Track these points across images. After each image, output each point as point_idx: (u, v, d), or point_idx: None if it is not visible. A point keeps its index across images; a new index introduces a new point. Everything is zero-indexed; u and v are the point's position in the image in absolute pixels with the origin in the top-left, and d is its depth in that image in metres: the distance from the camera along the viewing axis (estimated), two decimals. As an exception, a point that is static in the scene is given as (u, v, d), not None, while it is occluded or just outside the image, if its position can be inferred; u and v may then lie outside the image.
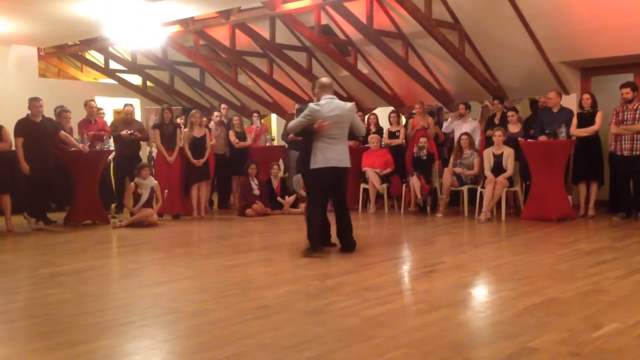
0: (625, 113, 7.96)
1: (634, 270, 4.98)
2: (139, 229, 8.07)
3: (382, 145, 10.05)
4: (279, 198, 9.63)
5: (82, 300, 4.52)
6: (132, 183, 8.58)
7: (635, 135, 7.85)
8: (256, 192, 9.50)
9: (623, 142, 7.96)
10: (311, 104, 6.00)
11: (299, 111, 6.26)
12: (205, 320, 3.87)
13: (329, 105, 5.93)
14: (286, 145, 10.88)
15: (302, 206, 9.54)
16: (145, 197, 8.43)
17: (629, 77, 8.83)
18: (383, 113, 11.32)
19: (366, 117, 11.34)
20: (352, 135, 6.40)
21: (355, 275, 5.15)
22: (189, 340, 3.52)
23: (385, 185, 9.54)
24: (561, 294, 4.32)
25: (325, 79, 6.24)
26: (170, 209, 9.16)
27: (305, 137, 6.13)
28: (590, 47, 8.78)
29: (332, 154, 5.92)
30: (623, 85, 8.08)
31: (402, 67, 10.34)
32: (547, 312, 3.89)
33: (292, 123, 6.13)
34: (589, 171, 8.36)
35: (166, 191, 9.07)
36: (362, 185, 9.68)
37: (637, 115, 7.87)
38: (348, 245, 6.15)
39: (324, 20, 10.55)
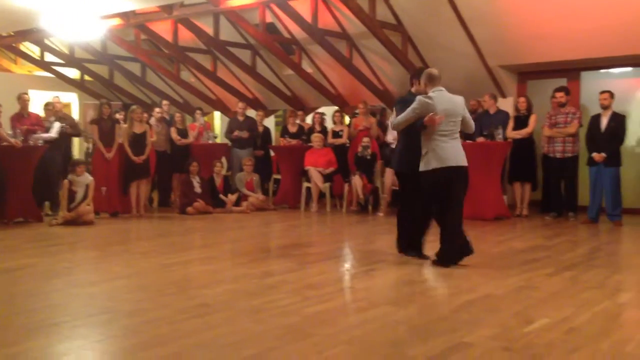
0: (558, 116, 8.26)
1: (564, 268, 5.17)
2: (74, 227, 7.82)
3: (326, 145, 10.09)
4: (221, 196, 9.52)
5: (12, 300, 4.34)
6: (66, 180, 8.30)
7: (566, 138, 8.17)
8: (198, 190, 9.37)
9: (555, 145, 8.27)
10: (420, 97, 5.25)
11: (400, 103, 5.57)
12: (141, 319, 3.78)
13: (440, 97, 5.24)
14: (230, 143, 10.78)
15: (245, 204, 9.49)
16: (80, 194, 8.17)
17: (563, 81, 9.17)
18: (327, 112, 11.37)
19: (310, 116, 11.39)
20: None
21: (296, 273, 5.15)
22: (124, 340, 3.43)
23: (327, 184, 9.58)
24: (495, 290, 4.44)
25: (434, 70, 5.47)
26: (107, 207, 8.92)
27: (407, 134, 5.45)
28: (527, 52, 9.07)
29: (446, 153, 5.23)
30: (557, 90, 8.39)
31: (346, 67, 10.41)
32: (482, 308, 3.99)
33: (398, 118, 5.39)
34: (522, 172, 8.64)
35: (104, 188, 8.82)
36: (305, 184, 9.70)
37: (569, 119, 8.19)
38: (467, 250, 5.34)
39: (269, 18, 10.51)
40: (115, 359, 3.21)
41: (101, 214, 8.78)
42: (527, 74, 9.86)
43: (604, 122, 7.81)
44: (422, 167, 5.28)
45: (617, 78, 9.31)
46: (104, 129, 8.95)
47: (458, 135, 5.39)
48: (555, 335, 3.40)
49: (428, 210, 5.48)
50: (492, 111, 8.83)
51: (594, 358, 3.08)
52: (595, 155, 7.81)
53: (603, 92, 7.85)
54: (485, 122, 8.67)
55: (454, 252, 5.28)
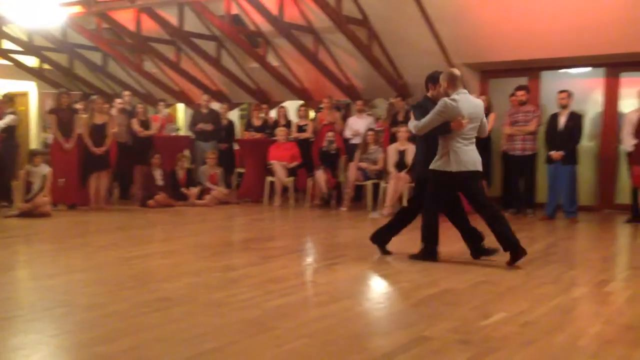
0: (518, 115, 8.42)
1: (521, 263, 5.26)
2: (31, 219, 7.63)
3: (290, 139, 10.08)
4: (182, 190, 9.42)
5: (-36, 293, 4.21)
6: (22, 171, 8.09)
7: (526, 136, 8.33)
8: (160, 182, 9.26)
9: (515, 143, 8.42)
10: (446, 99, 5.05)
11: (419, 107, 5.43)
12: (99, 313, 3.71)
13: (465, 101, 5.10)
14: (193, 136, 10.67)
15: (208, 198, 9.41)
16: (37, 185, 7.98)
17: (524, 80, 9.34)
18: (292, 106, 11.35)
19: (275, 110, 11.35)
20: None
21: (258, 267, 5.14)
22: (80, 334, 3.37)
23: (291, 179, 9.57)
24: (455, 285, 4.50)
25: (456, 70, 5.28)
26: (65, 199, 8.73)
27: (427, 139, 5.30)
28: (490, 50, 9.20)
29: (467, 156, 5.13)
30: (517, 88, 8.55)
31: (312, 62, 10.40)
32: (442, 302, 4.04)
33: (422, 121, 5.17)
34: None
35: (63, 180, 8.63)
36: (269, 178, 9.66)
37: (528, 118, 8.34)
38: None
39: (235, 10, 10.41)
40: (71, 354, 3.15)
41: (59, 205, 8.59)
42: (490, 72, 10.00)
43: (562, 121, 7.99)
44: (439, 167, 5.16)
45: (575, 78, 9.52)
46: (62, 119, 8.75)
47: (474, 139, 5.25)
48: (511, 329, 3.47)
49: (419, 208, 5.48)
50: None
51: (548, 351, 3.16)
52: (553, 153, 7.98)
53: (562, 91, 8.03)
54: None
55: (432, 248, 5.35)
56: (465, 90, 5.19)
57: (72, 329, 3.48)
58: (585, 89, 9.29)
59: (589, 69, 9.41)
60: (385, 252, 5.64)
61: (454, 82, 5.13)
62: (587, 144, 9.00)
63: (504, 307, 3.89)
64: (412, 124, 5.41)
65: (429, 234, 5.38)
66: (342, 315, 3.75)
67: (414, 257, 5.41)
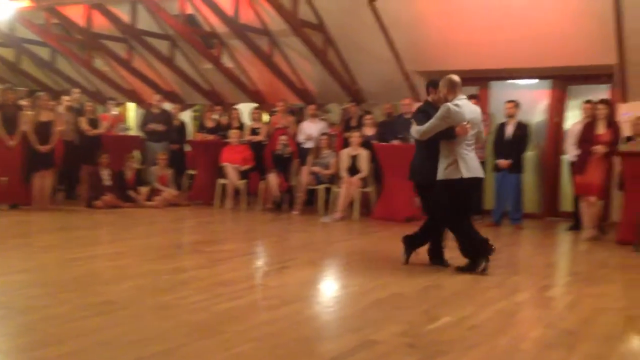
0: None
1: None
2: (-30, 218, 7.35)
3: (243, 141, 10.01)
4: (130, 192, 9.21)
5: None
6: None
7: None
8: (107, 183, 9.04)
9: (466, 150, 8.57)
10: (449, 105, 5.04)
11: (421, 113, 5.37)
12: (38, 316, 3.59)
13: (467, 107, 5.14)
14: (144, 136, 10.47)
15: (157, 199, 9.24)
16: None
17: (473, 90, 9.52)
18: (245, 109, 11.28)
19: (228, 112, 11.25)
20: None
21: (207, 270, 5.08)
22: (17, 338, 3.26)
23: (243, 181, 9.51)
24: (404, 289, 4.55)
25: (455, 77, 5.22)
26: (7, 198, 8.42)
27: (428, 144, 5.24)
28: (442, 59, 9.36)
29: (473, 163, 5.15)
30: (468, 97, 8.69)
31: (267, 64, 10.37)
32: (390, 306, 4.08)
33: (425, 126, 5.13)
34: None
35: (5, 179, 8.32)
36: (220, 181, 9.57)
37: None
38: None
39: (189, 10, 10.30)
40: (9, 358, 3.03)
41: (0, 205, 8.29)
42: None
43: (509, 130, 8.19)
44: (450, 176, 5.10)
45: (522, 89, 9.78)
46: (6, 115, 8.43)
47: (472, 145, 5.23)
48: (457, 332, 3.53)
49: (440, 218, 5.34)
50: (407, 115, 9.05)
51: (491, 354, 3.22)
52: (500, 161, 8.17)
53: (509, 101, 8.24)
54: (401, 125, 8.89)
55: (481, 255, 5.15)
56: (464, 97, 5.22)
57: (9, 332, 3.36)
58: (531, 100, 9.56)
59: (535, 80, 9.69)
60: (408, 257, 5.49)
61: (453, 89, 5.15)
62: (531, 153, 9.25)
63: (451, 311, 3.95)
64: (415, 129, 5.37)
65: (471, 243, 5.20)
66: (292, 319, 3.74)
67: (463, 269, 5.17)
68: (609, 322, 3.87)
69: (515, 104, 8.18)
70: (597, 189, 7.33)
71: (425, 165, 5.30)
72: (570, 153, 8.05)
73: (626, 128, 7.67)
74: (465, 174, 5.07)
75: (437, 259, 5.46)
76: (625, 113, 8.38)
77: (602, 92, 8.73)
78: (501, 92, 9.54)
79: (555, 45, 8.33)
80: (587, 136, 7.38)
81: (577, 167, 7.46)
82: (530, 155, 9.13)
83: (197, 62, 11.67)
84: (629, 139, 7.48)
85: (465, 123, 5.00)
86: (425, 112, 5.29)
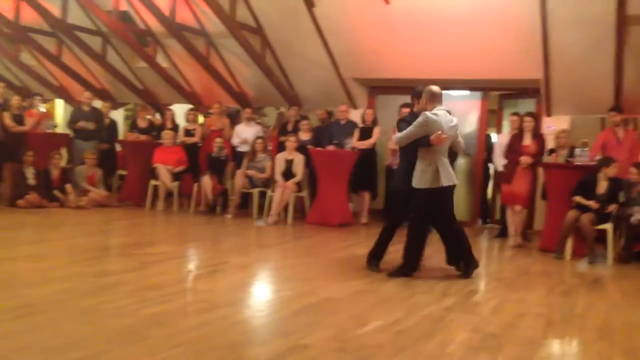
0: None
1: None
2: None
3: (177, 143, 9.83)
4: (55, 192, 8.86)
5: None
6: None
7: (409, 152, 8.66)
8: (32, 181, 8.67)
9: (398, 158, 8.72)
10: (427, 113, 5.25)
11: (404, 122, 5.58)
12: (-49, 320, 3.41)
13: (444, 116, 5.32)
14: (72, 134, 10.10)
15: (85, 199, 8.93)
16: None
17: (409, 98, 9.70)
18: (180, 110, 11.09)
19: (162, 112, 11.04)
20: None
21: (135, 273, 4.94)
22: None
23: (176, 183, 9.33)
24: (334, 293, 4.58)
25: (435, 88, 5.45)
26: None
27: (411, 152, 5.41)
28: (378, 67, 9.51)
29: (446, 172, 5.33)
30: (402, 105, 8.86)
31: (203, 65, 10.23)
32: (321, 310, 4.09)
33: (402, 134, 5.37)
34: (365, 182, 9.02)
35: None
36: (152, 182, 9.35)
37: (412, 134, 8.69)
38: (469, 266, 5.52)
39: (124, 6, 10.04)
40: None
41: None
42: (377, 88, 10.33)
43: (442, 139, 8.39)
44: (431, 184, 5.26)
45: (455, 100, 10.04)
46: None
47: (447, 155, 5.42)
48: (385, 337, 3.57)
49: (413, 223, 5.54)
50: (343, 121, 9.15)
51: (418, 358, 3.28)
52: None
53: (404, 108, 8.43)
54: (336, 131, 8.97)
55: (414, 263, 5.47)
56: (443, 107, 5.37)
57: None
58: (464, 111, 9.84)
59: (467, 92, 9.97)
60: (378, 269, 5.61)
61: (432, 99, 5.36)
62: (460, 162, 9.51)
63: (380, 316, 4.00)
64: (394, 137, 5.56)
65: (412, 252, 5.46)
66: (221, 324, 3.69)
67: (393, 274, 5.37)
68: (531, 327, 4.01)
69: (411, 112, 8.36)
70: (523, 198, 7.61)
71: (409, 173, 5.45)
72: (498, 163, 8.33)
73: (550, 140, 8.02)
74: (445, 182, 5.28)
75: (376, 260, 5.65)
76: (549, 126, 8.76)
77: (531, 105, 9.10)
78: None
79: (486, 58, 8.61)
80: (514, 147, 7.66)
81: (505, 176, 7.72)
82: (461, 164, 9.38)
83: (131, 60, 11.38)
84: (552, 151, 7.82)
85: (440, 132, 5.13)
86: (408, 122, 5.45)
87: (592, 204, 6.91)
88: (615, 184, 7.00)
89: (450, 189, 5.41)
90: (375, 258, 5.69)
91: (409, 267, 5.43)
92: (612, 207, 6.90)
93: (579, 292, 5.24)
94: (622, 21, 7.37)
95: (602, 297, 5.19)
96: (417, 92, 5.66)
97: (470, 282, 5.31)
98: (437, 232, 5.68)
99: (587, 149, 7.57)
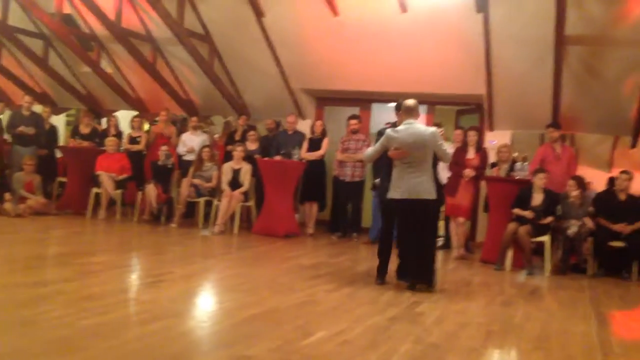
0: (350, 142, 8.83)
1: (343, 284, 5.49)
2: None
3: (121, 150, 9.63)
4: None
5: None
6: None
7: (356, 163, 8.74)
8: (-35, 187, 8.31)
9: (345, 169, 8.81)
10: (388, 130, 5.53)
11: (379, 134, 5.82)
12: None
13: (406, 130, 5.40)
14: (9, 139, 9.75)
15: (22, 207, 8.62)
16: None
17: (356, 110, 9.84)
18: (124, 116, 10.87)
19: (105, 119, 10.80)
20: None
21: (74, 283, 4.79)
22: None
23: (119, 191, 9.12)
24: (280, 304, 4.56)
25: (411, 101, 5.53)
26: None
27: (387, 162, 5.60)
28: (326, 79, 9.59)
29: (406, 185, 5.36)
30: (350, 117, 8.98)
31: (149, 72, 10.08)
32: (265, 321, 4.06)
33: (369, 150, 5.77)
34: (312, 192, 9.05)
35: None
36: (94, 190, 9.11)
37: (359, 146, 8.78)
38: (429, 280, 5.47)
39: (67, 9, 9.80)
40: None
41: None
42: (325, 99, 10.41)
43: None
44: (388, 195, 5.51)
45: (402, 113, 10.21)
46: None
47: (428, 166, 5.43)
48: (330, 347, 3.58)
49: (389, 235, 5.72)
50: (291, 132, 9.17)
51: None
52: (377, 181, 8.44)
53: (388, 123, 8.53)
54: (283, 141, 8.98)
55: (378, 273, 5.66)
56: (412, 121, 5.44)
57: None
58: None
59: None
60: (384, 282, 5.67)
61: (405, 113, 5.50)
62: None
63: (325, 326, 4.00)
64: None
65: (379, 258, 5.69)
66: (163, 335, 3.61)
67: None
68: (472, 337, 4.09)
69: (393, 126, 8.49)
70: (466, 211, 7.79)
71: (387, 185, 5.60)
72: (442, 176, 8.50)
73: (492, 155, 8.24)
74: (392, 194, 5.42)
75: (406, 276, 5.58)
76: (492, 141, 9.01)
77: (475, 119, 9.36)
78: (382, 114, 9.90)
79: (432, 73, 8.80)
80: (457, 160, 7.84)
81: (448, 189, 7.88)
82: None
83: (74, 65, 11.12)
84: (493, 165, 8.04)
85: (395, 148, 5.35)
86: (382, 135, 5.67)
87: (527, 213, 7.14)
88: (551, 196, 7.25)
89: (397, 202, 5.43)
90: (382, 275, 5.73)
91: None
92: (548, 220, 7.14)
93: (518, 303, 5.38)
94: (561, 40, 7.68)
95: (540, 307, 5.35)
96: (398, 105, 5.79)
97: (414, 293, 5.38)
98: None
99: (527, 163, 7.82)
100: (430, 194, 5.39)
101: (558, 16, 7.40)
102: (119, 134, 9.96)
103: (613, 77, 8.09)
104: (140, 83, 10.97)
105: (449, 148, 8.62)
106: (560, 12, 7.37)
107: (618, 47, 7.75)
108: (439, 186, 5.89)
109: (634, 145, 9.16)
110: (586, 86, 8.31)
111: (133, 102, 11.19)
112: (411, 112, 5.50)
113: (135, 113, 10.84)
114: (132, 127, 10.02)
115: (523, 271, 7.01)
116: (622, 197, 7.44)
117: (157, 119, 10.17)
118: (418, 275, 5.43)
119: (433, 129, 5.51)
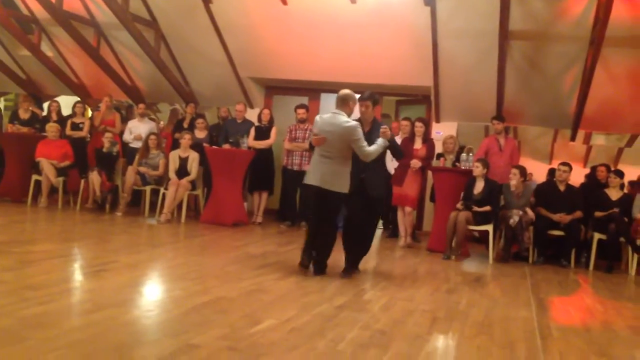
0: (298, 132, 8.83)
1: (291, 273, 5.50)
2: None
3: (63, 136, 9.33)
4: None
5: None
6: None
7: (304, 153, 8.76)
8: None
9: (294, 158, 8.81)
10: (317, 116, 5.61)
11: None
12: None
13: (328, 119, 5.41)
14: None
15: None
16: None
17: (305, 100, 9.84)
18: (67, 102, 10.54)
19: (47, 103, 10.44)
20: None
21: (14, 272, 4.63)
22: None
23: (61, 179, 8.85)
24: (227, 293, 4.53)
25: (343, 92, 5.50)
26: None
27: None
28: (275, 68, 9.54)
29: (317, 173, 5.37)
30: (298, 107, 8.97)
31: (93, 57, 9.79)
32: (213, 310, 4.03)
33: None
34: (261, 181, 9.02)
35: None
36: (35, 177, 8.81)
37: (307, 135, 8.78)
38: (317, 269, 5.56)
39: (6, -11, 9.41)
40: None
41: None
42: (274, 88, 10.37)
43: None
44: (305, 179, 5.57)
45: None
46: None
47: (345, 159, 5.37)
48: (278, 335, 3.58)
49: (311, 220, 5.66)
50: (239, 120, 9.09)
51: (309, 355, 3.32)
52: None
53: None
54: (232, 130, 8.90)
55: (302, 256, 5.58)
56: (339, 111, 5.42)
57: None
58: (358, 113, 10.07)
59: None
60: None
61: (336, 101, 5.51)
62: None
63: (273, 315, 4.01)
64: None
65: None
66: (107, 324, 3.54)
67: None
68: (418, 323, 4.17)
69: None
70: (412, 200, 7.92)
71: (374, 180, 5.64)
72: (390, 166, 8.60)
73: (438, 146, 8.40)
74: (307, 180, 5.47)
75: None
76: (438, 132, 9.18)
77: (415, 110, 9.50)
78: (331, 105, 9.90)
79: (380, 64, 8.89)
80: (405, 151, 7.93)
81: (396, 179, 7.99)
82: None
83: (13, 48, 10.70)
84: (439, 155, 8.19)
85: (314, 134, 5.41)
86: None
87: (459, 205, 7.36)
88: (491, 185, 7.45)
89: (309, 187, 5.45)
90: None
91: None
92: (485, 208, 7.33)
93: (463, 290, 5.52)
94: (505, 35, 7.87)
95: (483, 294, 5.50)
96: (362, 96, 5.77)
97: (361, 281, 5.44)
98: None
99: (472, 154, 8.01)
100: (340, 187, 5.37)
101: (502, 11, 7.59)
102: (61, 120, 9.66)
103: (554, 72, 8.35)
104: (83, 68, 10.65)
105: (397, 139, 8.75)
106: (504, 7, 7.55)
107: (559, 42, 8.01)
108: (386, 177, 5.93)
109: (573, 138, 9.51)
110: (529, 80, 8.55)
111: (76, 87, 10.86)
112: (340, 102, 5.47)
113: (77, 99, 10.52)
114: (75, 113, 9.73)
115: (452, 253, 7.25)
116: (562, 188, 7.71)
117: (100, 104, 9.90)
118: (318, 260, 5.55)
119: (354, 123, 5.33)
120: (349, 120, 5.37)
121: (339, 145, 5.34)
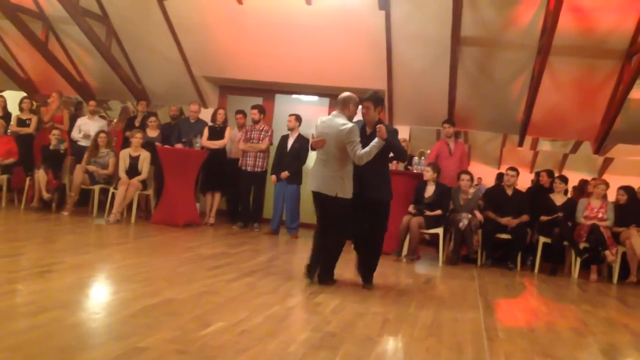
0: (253, 132, 8.78)
1: (243, 274, 5.47)
2: None
3: (8, 133, 9.04)
4: None
5: None
6: None
7: (258, 154, 8.72)
8: None
9: (248, 159, 8.75)
10: (318, 119, 5.48)
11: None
12: None
13: (327, 121, 5.33)
14: None
15: None
16: None
17: (259, 100, 9.80)
18: (12, 97, 10.20)
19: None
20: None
21: (-48, 274, 4.46)
22: None
23: (5, 176, 8.57)
24: (177, 295, 4.47)
25: (343, 94, 5.38)
26: None
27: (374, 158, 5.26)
28: (229, 68, 9.48)
29: (317, 177, 5.34)
30: (252, 107, 8.92)
31: (41, 51, 9.52)
32: (162, 312, 3.97)
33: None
34: (214, 182, 8.93)
35: None
36: (-23, 174, 8.51)
37: (261, 136, 8.76)
38: (321, 278, 5.44)
39: (-52, -21, 9.03)
40: None
41: None
42: (228, 88, 10.29)
43: (290, 142, 8.56)
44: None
45: (305, 104, 10.30)
46: None
47: (340, 163, 5.22)
48: (228, 337, 3.55)
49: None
50: (193, 120, 8.99)
51: (261, 357, 3.30)
52: (282, 174, 8.47)
53: (291, 115, 8.61)
54: (185, 129, 8.78)
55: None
56: (337, 113, 5.34)
57: None
58: (312, 115, 10.10)
59: (316, 97, 10.27)
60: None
61: (337, 104, 5.42)
62: (310, 165, 9.74)
63: (224, 317, 3.97)
64: None
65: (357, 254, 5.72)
66: (52, 327, 3.44)
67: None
68: (368, 325, 4.21)
69: (296, 117, 8.56)
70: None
71: (372, 182, 5.51)
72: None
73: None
74: (310, 186, 5.43)
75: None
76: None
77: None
78: (286, 105, 9.93)
79: (334, 66, 8.93)
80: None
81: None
82: (309, 168, 9.60)
83: (-45, 40, 10.30)
84: (392, 159, 8.27)
85: (313, 137, 5.35)
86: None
87: (410, 208, 7.47)
88: (441, 189, 7.58)
89: (315, 195, 5.42)
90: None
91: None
92: (437, 212, 7.46)
93: (413, 292, 5.60)
94: (457, 41, 8.03)
95: (433, 296, 5.59)
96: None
97: (313, 283, 5.45)
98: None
99: (424, 158, 8.13)
100: (340, 191, 5.24)
101: (454, 17, 7.73)
102: (6, 116, 9.34)
103: (503, 78, 8.57)
104: (30, 62, 10.34)
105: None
106: (456, 14, 7.70)
107: (508, 50, 8.22)
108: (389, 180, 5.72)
109: (520, 144, 9.77)
110: (479, 86, 8.75)
111: (22, 82, 10.53)
112: (340, 105, 5.37)
113: (24, 94, 10.20)
114: (21, 109, 9.44)
115: (405, 256, 7.41)
116: (509, 192, 7.91)
117: (48, 100, 9.63)
118: (321, 270, 5.45)
119: (349, 126, 5.15)
120: (345, 123, 5.21)
121: (335, 148, 5.22)
